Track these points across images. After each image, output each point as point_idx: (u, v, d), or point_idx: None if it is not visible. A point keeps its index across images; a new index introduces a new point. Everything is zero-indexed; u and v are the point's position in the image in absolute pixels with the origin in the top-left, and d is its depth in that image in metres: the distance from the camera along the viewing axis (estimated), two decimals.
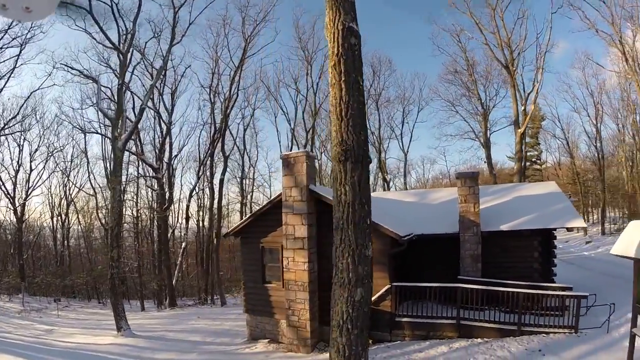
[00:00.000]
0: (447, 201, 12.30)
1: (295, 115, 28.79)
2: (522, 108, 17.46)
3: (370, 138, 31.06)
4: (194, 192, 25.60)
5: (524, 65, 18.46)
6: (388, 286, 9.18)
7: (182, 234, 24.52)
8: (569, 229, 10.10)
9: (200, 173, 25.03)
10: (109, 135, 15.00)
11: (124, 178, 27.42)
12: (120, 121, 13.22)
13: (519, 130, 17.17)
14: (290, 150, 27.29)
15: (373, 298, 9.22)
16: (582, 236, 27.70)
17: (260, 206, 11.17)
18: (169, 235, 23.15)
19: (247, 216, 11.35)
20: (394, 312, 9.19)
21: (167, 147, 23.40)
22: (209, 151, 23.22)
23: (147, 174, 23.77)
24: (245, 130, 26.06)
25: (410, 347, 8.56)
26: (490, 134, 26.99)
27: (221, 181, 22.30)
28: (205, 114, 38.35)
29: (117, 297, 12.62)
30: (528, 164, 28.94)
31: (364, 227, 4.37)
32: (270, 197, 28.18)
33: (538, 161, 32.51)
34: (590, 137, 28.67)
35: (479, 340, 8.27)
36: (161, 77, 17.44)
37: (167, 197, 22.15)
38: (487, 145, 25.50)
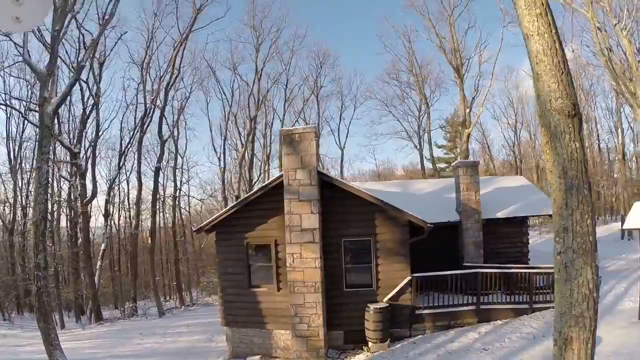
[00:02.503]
0: (433, 191, 11.89)
1: (230, 103, 24.97)
2: (468, 110, 18.84)
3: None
4: (114, 185, 19.80)
5: (468, 70, 20.09)
6: (408, 278, 7.95)
7: (101, 234, 18.57)
8: (550, 216, 10.73)
9: (122, 163, 19.51)
10: (34, 99, 9.67)
11: (27, 166, 19.68)
12: (51, 79, 8.65)
13: (467, 131, 18.38)
14: (224, 141, 23.74)
15: (392, 292, 7.90)
16: None
17: (249, 193, 8.61)
18: (90, 235, 17.22)
19: (230, 206, 8.62)
20: (414, 306, 8.01)
21: (90, 127, 17.49)
22: (138, 136, 18.14)
23: (63, 160, 17.20)
24: (179, 114, 21.42)
25: (438, 340, 7.68)
26: (423, 134, 28.73)
27: (157, 170, 17.61)
28: (130, 95, 31.18)
29: (48, 320, 8.22)
30: (445, 165, 31.59)
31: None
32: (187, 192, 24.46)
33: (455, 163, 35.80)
34: (508, 143, 32.70)
35: (499, 322, 8.04)
36: (106, 29, 12.29)
37: (89, 188, 16.36)
38: (429, 143, 27.04)
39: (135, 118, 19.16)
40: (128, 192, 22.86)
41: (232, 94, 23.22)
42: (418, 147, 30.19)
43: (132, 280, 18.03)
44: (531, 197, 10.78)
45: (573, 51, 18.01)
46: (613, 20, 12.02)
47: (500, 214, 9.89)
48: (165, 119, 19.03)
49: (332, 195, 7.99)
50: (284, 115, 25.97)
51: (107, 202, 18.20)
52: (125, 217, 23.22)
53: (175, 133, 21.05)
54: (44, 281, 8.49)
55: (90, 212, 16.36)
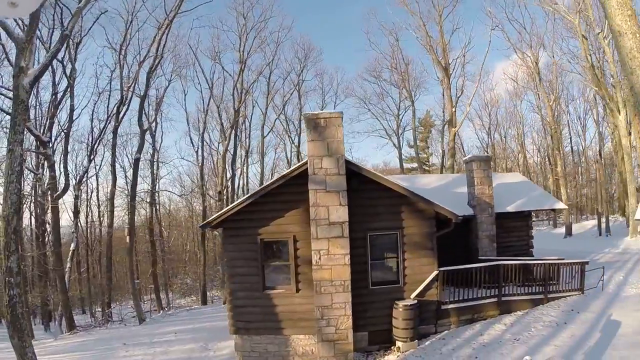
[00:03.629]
0: (440, 186, 11.65)
1: (210, 94, 23.00)
2: (454, 109, 19.10)
3: (292, 127, 28.69)
4: (84, 179, 17.17)
5: (454, 70, 20.37)
6: (436, 272, 7.49)
7: (69, 233, 15.83)
8: (555, 210, 11.00)
9: (92, 155, 16.95)
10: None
11: None
12: (29, 47, 6.76)
13: (453, 129, 18.62)
14: (202, 134, 21.72)
15: (420, 288, 7.39)
16: None
17: (267, 183, 7.55)
18: (61, 233, 14.57)
19: (243, 198, 7.51)
20: (439, 301, 7.57)
21: (62, 112, 14.82)
22: (112, 125, 15.80)
23: (30, 149, 14.31)
24: (159, 103, 19.12)
25: (466, 334, 7.40)
26: (403, 132, 28.93)
27: (137, 161, 15.44)
28: (102, 82, 27.69)
29: (24, 336, 6.46)
30: (416, 165, 32.20)
31: None
32: (156, 186, 22.12)
33: (427, 163, 36.88)
34: (482, 144, 33.80)
35: (520, 312, 7.97)
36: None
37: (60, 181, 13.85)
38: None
39: (107, 107, 16.80)
40: (97, 188, 20.16)
41: (211, 84, 21.38)
42: (397, 145, 30.41)
43: (107, 283, 15.74)
44: (533, 192, 10.97)
45: (554, 56, 19.05)
46: (596, 29, 12.67)
47: (510, 208, 9.85)
48: (145, 107, 16.84)
49: (358, 187, 7.27)
50: (266, 109, 24.61)
51: (76, 197, 15.66)
52: (95, 215, 20.48)
53: (153, 123, 18.85)
54: (17, 289, 6.77)
55: (59, 207, 13.94)
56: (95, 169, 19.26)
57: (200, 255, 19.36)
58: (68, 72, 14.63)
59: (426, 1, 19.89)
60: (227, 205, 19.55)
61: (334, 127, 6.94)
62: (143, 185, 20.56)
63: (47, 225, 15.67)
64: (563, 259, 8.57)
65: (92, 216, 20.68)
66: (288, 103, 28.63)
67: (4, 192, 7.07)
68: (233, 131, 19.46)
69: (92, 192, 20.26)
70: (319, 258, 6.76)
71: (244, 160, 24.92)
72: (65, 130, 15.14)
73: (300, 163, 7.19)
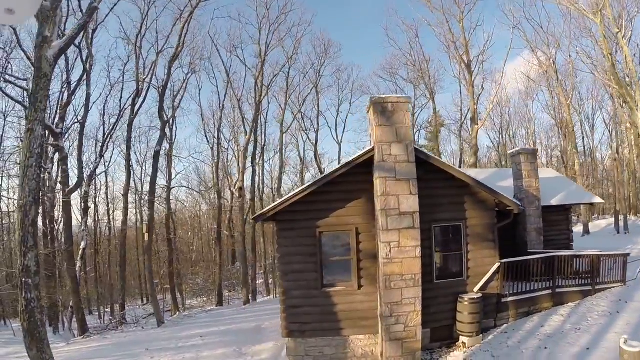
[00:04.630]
0: (482, 180, 11.32)
1: (226, 89, 22.06)
2: (476, 107, 19.02)
3: (309, 125, 27.95)
4: (94, 175, 15.96)
5: (477, 67, 20.15)
6: (497, 264, 7.16)
7: (80, 230, 14.59)
8: (592, 204, 10.95)
9: (104, 150, 15.82)
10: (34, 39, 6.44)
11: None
12: (56, 15, 5.94)
13: (476, 127, 18.49)
14: (219, 127, 20.75)
15: (483, 281, 7.05)
16: None
17: (334, 169, 7.00)
18: (74, 230, 13.41)
19: (302, 188, 6.93)
20: (500, 294, 7.26)
21: (75, 103, 13.69)
22: (125, 118, 14.80)
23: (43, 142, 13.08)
24: (176, 96, 18.01)
25: (527, 326, 7.20)
26: (419, 130, 28.40)
27: (157, 154, 14.33)
28: (115, 74, 25.90)
29: (43, 346, 5.56)
30: None
31: None
32: (172, 182, 20.82)
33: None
34: (494, 144, 33.06)
35: (572, 303, 7.84)
36: None
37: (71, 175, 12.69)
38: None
39: (120, 100, 15.75)
40: (107, 183, 18.95)
41: (228, 78, 20.47)
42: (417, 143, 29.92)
43: (121, 283, 14.67)
44: (570, 187, 10.88)
45: (570, 55, 19.25)
46: (615, 28, 12.76)
47: (553, 202, 9.68)
48: (163, 98, 15.62)
49: (423, 176, 6.83)
50: (285, 104, 23.76)
51: (86, 194, 14.51)
52: (101, 213, 19.23)
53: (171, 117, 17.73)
54: (35, 292, 5.93)
55: (70, 202, 12.82)
56: (105, 165, 18.11)
57: (216, 254, 18.49)
58: (84, 58, 13.55)
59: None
60: (251, 202, 18.73)
61: (401, 112, 6.50)
62: (157, 181, 19.43)
63: (55, 223, 14.51)
64: (607, 252, 8.48)
65: (98, 214, 19.45)
66: (302, 99, 27.67)
67: (21, 178, 6.12)
68: (254, 126, 18.56)
69: (99, 189, 19.06)
70: (389, 251, 6.27)
71: (260, 157, 24.14)
72: (81, 121, 14.00)
73: (365, 150, 6.69)
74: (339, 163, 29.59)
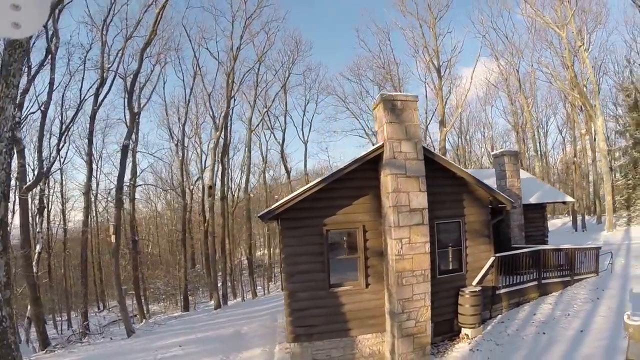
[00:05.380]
0: None
1: (192, 83, 20.58)
2: (443, 110, 19.93)
3: (277, 123, 27.29)
4: (50, 172, 13.73)
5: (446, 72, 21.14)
6: (492, 259, 7.50)
7: (35, 232, 12.32)
8: (564, 202, 11.96)
9: (61, 144, 13.78)
10: None
11: None
12: None
13: (445, 129, 19.38)
14: (184, 122, 19.22)
15: (480, 275, 7.36)
16: None
17: (343, 165, 6.73)
18: (31, 232, 11.28)
19: (312, 184, 6.59)
20: (495, 286, 7.61)
21: (39, 82, 11.45)
22: (91, 110, 13.00)
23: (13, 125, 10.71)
24: (142, 88, 16.12)
25: (521, 315, 7.66)
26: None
27: (125, 147, 12.38)
28: (76, 61, 22.75)
29: None
30: None
31: None
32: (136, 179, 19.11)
33: None
34: (453, 146, 34.92)
35: (556, 293, 8.40)
36: None
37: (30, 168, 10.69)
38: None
39: (81, 90, 13.89)
40: (62, 181, 16.61)
41: (199, 72, 19.20)
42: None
43: (83, 289, 12.85)
44: (544, 187, 11.83)
45: (532, 65, 21.00)
46: (578, 42, 14.23)
47: (532, 200, 10.42)
48: (133, 87, 13.97)
49: (428, 174, 6.90)
50: (254, 101, 22.95)
51: (41, 191, 12.49)
52: (53, 214, 16.84)
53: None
54: (8, 308, 4.95)
55: (27, 200, 10.91)
56: (60, 161, 15.82)
57: (180, 256, 17.18)
58: (49, 37, 11.65)
59: (421, 4, 20.24)
60: (222, 201, 17.68)
61: (410, 110, 6.51)
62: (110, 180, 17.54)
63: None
64: (582, 246, 9.32)
65: (49, 214, 17.00)
66: (272, 97, 27.03)
67: None
68: (224, 122, 17.56)
69: (52, 187, 16.65)
70: (401, 247, 6.23)
71: (226, 155, 22.94)
72: (42, 108, 12.01)
73: (375, 146, 6.59)
74: (305, 162, 29.61)
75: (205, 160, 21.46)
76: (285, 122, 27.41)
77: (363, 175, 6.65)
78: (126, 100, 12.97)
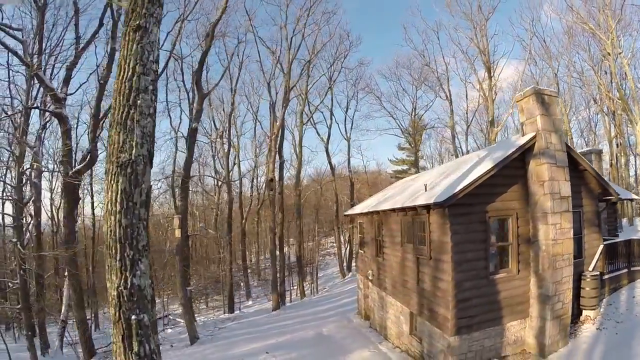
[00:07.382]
0: None
1: (238, 72, 19.52)
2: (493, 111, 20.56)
3: (321, 117, 26.83)
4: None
5: (494, 73, 21.58)
6: (601, 246, 8.12)
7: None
8: (631, 200, 12.83)
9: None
10: None
11: None
12: None
13: (495, 130, 20.03)
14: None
15: (594, 261, 7.95)
16: None
17: (510, 152, 6.80)
18: (77, 222, 9.83)
19: (486, 170, 6.56)
20: (602, 272, 8.21)
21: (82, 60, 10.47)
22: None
23: (39, 106, 9.46)
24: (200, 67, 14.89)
25: (623, 298, 8.27)
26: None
27: (194, 131, 11.54)
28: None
29: None
30: (406, 167, 33.70)
31: None
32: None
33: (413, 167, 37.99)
34: (478, 146, 35.04)
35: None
36: None
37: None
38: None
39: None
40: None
41: (239, 63, 18.46)
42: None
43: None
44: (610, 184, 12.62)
45: (569, 70, 22.14)
46: (618, 49, 15.62)
47: None
48: (202, 65, 12.40)
49: None
50: (306, 94, 22.15)
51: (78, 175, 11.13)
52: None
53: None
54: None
55: (78, 186, 9.76)
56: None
57: (224, 254, 16.35)
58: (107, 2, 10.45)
59: (473, 4, 20.79)
60: (280, 195, 16.71)
61: (554, 105, 6.96)
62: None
63: (30, 216, 11.11)
64: None
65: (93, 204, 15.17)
66: (324, 92, 26.13)
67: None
68: (283, 113, 16.76)
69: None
70: (555, 233, 6.58)
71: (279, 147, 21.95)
72: (101, 81, 10.75)
73: (528, 136, 6.89)
74: (349, 160, 29.16)
75: (257, 152, 20.35)
76: (332, 118, 27.14)
77: (514, 164, 6.92)
78: (194, 80, 12.06)
